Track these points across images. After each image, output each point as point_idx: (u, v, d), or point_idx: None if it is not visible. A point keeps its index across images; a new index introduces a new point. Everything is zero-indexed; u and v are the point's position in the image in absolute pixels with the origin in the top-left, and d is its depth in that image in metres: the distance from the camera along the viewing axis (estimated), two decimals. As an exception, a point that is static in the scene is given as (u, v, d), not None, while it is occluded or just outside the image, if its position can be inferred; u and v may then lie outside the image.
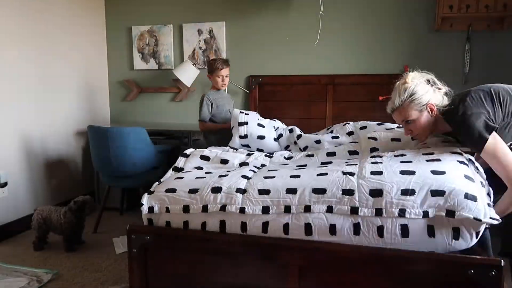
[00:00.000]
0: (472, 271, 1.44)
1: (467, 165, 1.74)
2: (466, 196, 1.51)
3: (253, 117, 2.89)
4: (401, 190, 1.58)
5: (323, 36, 3.69)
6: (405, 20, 3.55)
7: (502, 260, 1.43)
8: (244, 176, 1.87)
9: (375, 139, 2.34)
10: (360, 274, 1.59)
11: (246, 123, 2.80)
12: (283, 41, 3.82)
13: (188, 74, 3.78)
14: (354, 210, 1.59)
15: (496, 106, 1.86)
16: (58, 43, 3.66)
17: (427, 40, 3.52)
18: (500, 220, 1.50)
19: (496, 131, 1.80)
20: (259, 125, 2.84)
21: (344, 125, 2.91)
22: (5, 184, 3.18)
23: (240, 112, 2.88)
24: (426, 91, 1.91)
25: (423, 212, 1.53)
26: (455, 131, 1.96)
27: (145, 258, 1.82)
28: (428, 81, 1.96)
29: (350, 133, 2.80)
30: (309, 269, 1.64)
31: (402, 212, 1.54)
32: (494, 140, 1.76)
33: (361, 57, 3.67)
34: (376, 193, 1.60)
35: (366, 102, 3.62)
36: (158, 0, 4.09)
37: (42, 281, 2.47)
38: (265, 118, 3.87)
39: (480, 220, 1.46)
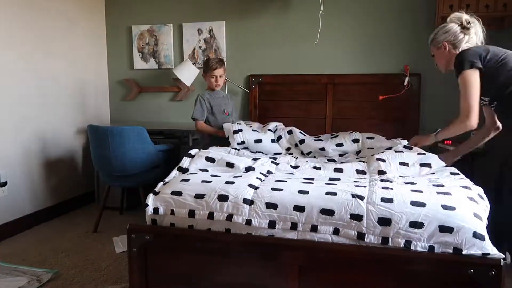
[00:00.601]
0: (472, 270, 1.45)
1: (476, 202, 1.73)
2: (475, 235, 1.51)
3: (245, 125, 2.96)
4: (410, 222, 1.58)
5: (323, 36, 3.68)
6: (405, 19, 3.55)
7: (502, 260, 1.43)
8: (251, 186, 1.86)
9: (383, 160, 2.28)
10: (360, 274, 1.59)
11: (241, 130, 2.84)
12: (283, 41, 3.82)
13: (188, 73, 3.78)
14: (360, 236, 1.60)
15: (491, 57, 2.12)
16: (57, 43, 3.66)
17: (427, 40, 3.50)
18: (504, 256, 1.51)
19: (480, 72, 2.08)
20: (253, 130, 2.87)
21: (350, 133, 2.94)
22: (5, 183, 3.18)
23: (232, 123, 2.96)
24: (445, 32, 2.28)
25: (429, 246, 1.54)
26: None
27: (145, 257, 1.82)
28: (461, 24, 2.24)
29: (355, 140, 2.81)
30: (309, 269, 1.64)
31: (408, 244, 1.55)
32: (471, 75, 2.07)
33: (361, 56, 3.67)
34: (385, 221, 1.60)
35: (366, 102, 3.62)
36: (158, -1, 4.10)
37: (42, 281, 2.47)
38: (265, 118, 3.91)
39: (489, 254, 1.47)
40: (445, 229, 1.53)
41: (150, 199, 1.87)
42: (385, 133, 3.54)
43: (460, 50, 2.23)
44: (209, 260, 1.77)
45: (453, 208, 1.59)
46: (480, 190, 1.84)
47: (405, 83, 3.48)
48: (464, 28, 2.23)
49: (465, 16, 2.26)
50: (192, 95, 4.08)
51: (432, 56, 2.41)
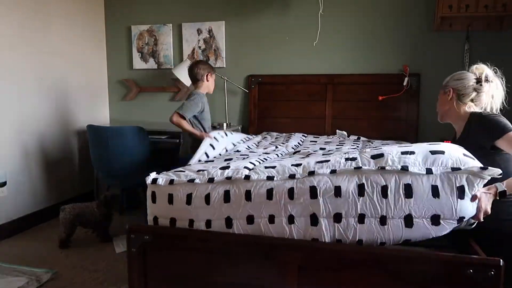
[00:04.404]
0: (471, 270, 1.45)
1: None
2: (465, 154, 1.58)
3: (204, 147, 2.60)
4: (401, 151, 1.64)
5: (322, 36, 3.69)
6: (404, 19, 3.55)
7: (501, 260, 1.43)
8: (250, 163, 1.96)
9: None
10: (360, 273, 1.59)
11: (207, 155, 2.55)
12: (283, 41, 3.82)
13: (187, 73, 3.77)
14: (358, 167, 1.62)
15: None
16: (57, 43, 3.66)
17: (426, 40, 3.52)
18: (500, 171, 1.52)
19: None
20: (211, 145, 2.64)
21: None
22: (5, 183, 3.18)
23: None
24: (458, 78, 2.03)
25: (426, 169, 1.55)
26: (472, 121, 1.94)
27: (144, 258, 1.82)
28: (478, 77, 2.01)
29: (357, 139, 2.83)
30: (308, 269, 1.64)
31: (405, 167, 1.56)
32: None
33: (361, 56, 3.67)
34: (377, 156, 1.65)
35: (366, 102, 3.62)
36: (158, -1, 4.10)
37: (41, 281, 2.47)
38: (265, 117, 3.92)
39: (487, 168, 1.50)
40: (436, 152, 1.59)
41: (152, 174, 1.89)
42: (384, 133, 3.56)
43: (464, 104, 1.98)
44: (208, 260, 1.76)
45: (438, 143, 1.72)
46: None
47: (405, 83, 3.48)
48: (479, 83, 1.99)
49: (487, 71, 2.03)
50: (191, 95, 4.07)
51: (436, 100, 2.14)
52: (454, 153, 1.59)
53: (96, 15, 4.16)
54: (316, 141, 3.24)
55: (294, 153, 2.60)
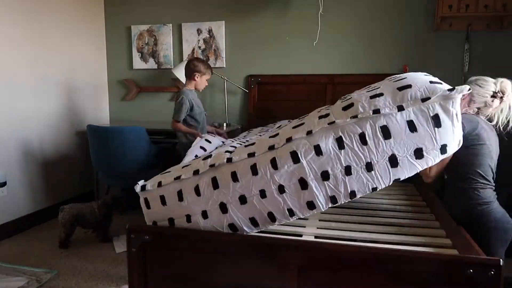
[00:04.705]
0: (471, 270, 1.45)
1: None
2: (431, 82, 1.58)
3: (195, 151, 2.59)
4: (369, 96, 1.63)
5: (322, 36, 3.69)
6: (404, 19, 3.55)
7: (501, 260, 1.43)
8: (232, 146, 2.01)
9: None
10: (360, 273, 1.59)
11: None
12: (283, 41, 3.82)
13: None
14: (331, 123, 1.62)
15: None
16: (57, 43, 3.66)
17: (426, 40, 3.52)
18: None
19: None
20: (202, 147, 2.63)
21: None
22: (4, 183, 3.18)
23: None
24: (478, 85, 2.02)
25: (397, 106, 1.55)
26: None
27: (144, 257, 1.82)
28: (493, 94, 2.00)
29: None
30: (308, 269, 1.64)
31: (377, 111, 1.56)
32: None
33: (361, 56, 3.67)
34: (348, 107, 1.65)
35: (366, 102, 3.62)
36: (158, -1, 4.10)
37: (42, 281, 2.47)
38: (264, 117, 3.91)
39: (454, 89, 1.50)
40: (403, 87, 1.58)
41: (140, 182, 1.90)
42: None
43: (468, 107, 2.02)
44: (208, 260, 1.77)
45: (404, 77, 1.69)
46: None
47: (405, 83, 3.47)
48: (493, 97, 1.99)
49: (509, 90, 1.99)
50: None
51: None
52: (421, 83, 1.58)
53: (96, 15, 4.16)
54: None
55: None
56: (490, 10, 3.14)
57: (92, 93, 4.14)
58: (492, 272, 1.43)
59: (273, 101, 3.87)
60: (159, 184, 1.82)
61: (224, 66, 3.98)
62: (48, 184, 3.61)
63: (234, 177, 1.70)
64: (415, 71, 3.52)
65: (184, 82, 3.76)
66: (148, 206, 1.87)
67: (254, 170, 1.68)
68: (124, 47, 4.26)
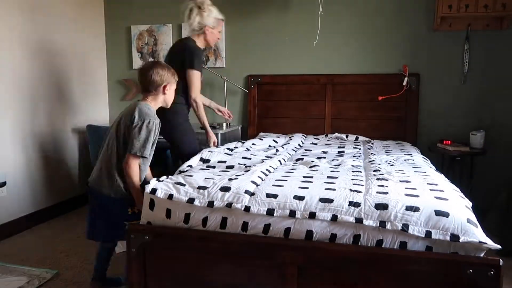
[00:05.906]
0: (471, 270, 1.45)
1: (464, 198, 1.79)
2: (469, 221, 1.53)
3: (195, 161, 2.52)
4: (406, 206, 1.60)
5: (322, 36, 3.69)
6: (404, 19, 3.55)
7: (500, 260, 1.43)
8: (253, 182, 1.88)
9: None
10: (360, 274, 1.59)
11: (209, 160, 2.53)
12: (282, 41, 3.82)
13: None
14: (359, 220, 1.60)
15: None
16: (56, 42, 3.66)
17: (426, 40, 3.52)
18: (500, 247, 1.49)
19: None
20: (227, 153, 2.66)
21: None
22: (4, 183, 3.18)
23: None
24: None
25: (426, 231, 1.53)
26: None
27: (144, 258, 1.82)
28: None
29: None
30: (308, 269, 1.64)
31: (405, 227, 1.54)
32: None
33: (360, 56, 3.67)
34: (382, 206, 1.61)
35: (365, 102, 3.63)
36: (157, -1, 4.10)
37: (42, 281, 2.47)
38: (264, 117, 3.92)
39: (486, 243, 1.46)
40: (441, 213, 1.55)
41: (152, 181, 1.88)
42: (384, 133, 3.57)
43: None
44: (208, 260, 1.77)
45: (446, 199, 1.66)
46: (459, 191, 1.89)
47: (404, 83, 3.48)
48: None
49: None
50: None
51: None
52: (458, 217, 1.54)
53: (96, 15, 4.16)
54: (316, 143, 3.28)
55: (297, 160, 2.58)
56: (490, 10, 3.14)
57: (92, 93, 4.13)
58: (492, 272, 1.43)
59: (273, 101, 3.87)
60: (170, 197, 1.81)
61: (224, 66, 3.98)
62: (48, 184, 3.61)
63: (244, 227, 1.72)
64: (415, 71, 3.55)
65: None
66: (151, 208, 1.86)
67: (266, 230, 1.70)
68: (124, 47, 4.26)
